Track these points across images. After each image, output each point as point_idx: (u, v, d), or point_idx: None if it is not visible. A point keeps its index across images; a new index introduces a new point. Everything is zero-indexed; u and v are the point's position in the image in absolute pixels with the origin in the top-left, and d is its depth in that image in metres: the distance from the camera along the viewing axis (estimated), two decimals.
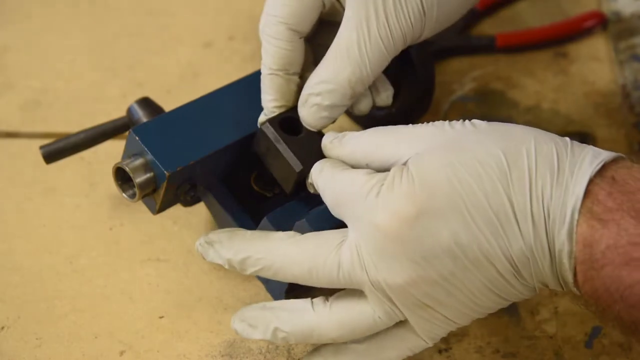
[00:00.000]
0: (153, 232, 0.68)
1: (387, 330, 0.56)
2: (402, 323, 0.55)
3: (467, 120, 0.54)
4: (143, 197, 0.60)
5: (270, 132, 0.59)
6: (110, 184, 0.63)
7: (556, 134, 0.74)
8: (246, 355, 0.61)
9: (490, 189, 0.51)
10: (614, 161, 0.51)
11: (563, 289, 0.52)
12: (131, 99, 0.78)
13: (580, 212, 0.49)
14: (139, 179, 0.59)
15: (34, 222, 0.69)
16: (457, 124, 0.54)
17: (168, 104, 0.77)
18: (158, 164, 0.58)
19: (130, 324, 0.63)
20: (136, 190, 0.59)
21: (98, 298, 0.65)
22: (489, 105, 0.77)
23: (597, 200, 0.49)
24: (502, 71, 0.79)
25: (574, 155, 0.51)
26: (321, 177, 0.57)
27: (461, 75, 0.79)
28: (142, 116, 0.63)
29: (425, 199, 0.51)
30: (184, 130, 0.60)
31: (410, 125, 0.56)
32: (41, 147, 0.66)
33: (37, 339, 0.63)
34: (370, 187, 0.53)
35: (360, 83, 0.59)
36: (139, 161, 0.59)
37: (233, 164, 0.62)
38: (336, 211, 0.56)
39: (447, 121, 0.55)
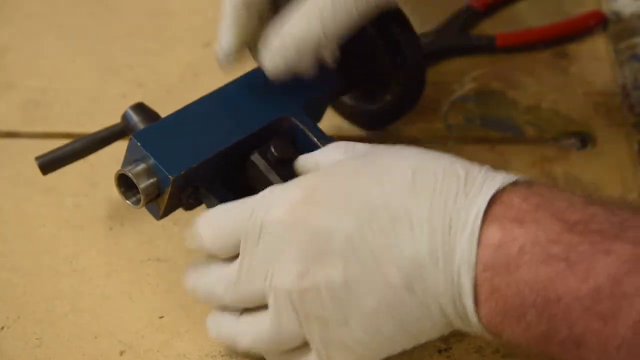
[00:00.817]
0: (153, 232, 0.68)
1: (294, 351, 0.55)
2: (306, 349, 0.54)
3: (389, 145, 0.55)
4: (147, 203, 0.60)
5: (261, 163, 0.60)
6: (110, 184, 0.63)
7: (556, 134, 0.75)
8: (246, 355, 0.61)
9: (390, 195, 0.50)
10: (528, 181, 0.50)
11: (462, 321, 0.50)
12: (131, 99, 0.78)
13: (490, 216, 0.48)
14: (143, 184, 0.59)
15: (33, 222, 0.69)
16: (377, 145, 0.55)
17: (168, 104, 0.77)
18: (162, 168, 0.58)
19: (130, 324, 0.63)
20: (140, 196, 0.59)
21: (98, 298, 0.65)
22: (489, 105, 0.77)
23: (511, 205, 0.48)
24: (502, 71, 0.79)
25: (487, 174, 0.50)
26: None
27: (461, 75, 0.79)
28: (138, 122, 0.63)
29: (320, 188, 0.52)
30: (184, 134, 0.60)
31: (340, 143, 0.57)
32: (37, 158, 0.65)
33: (37, 339, 0.63)
34: (259, 197, 0.54)
35: (329, 44, 0.60)
36: (141, 167, 0.59)
37: (234, 164, 0.62)
38: (223, 240, 0.56)
39: (367, 145, 0.56)
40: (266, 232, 0.53)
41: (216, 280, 0.56)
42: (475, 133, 0.75)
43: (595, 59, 0.80)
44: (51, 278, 0.66)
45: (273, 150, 0.61)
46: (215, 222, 0.56)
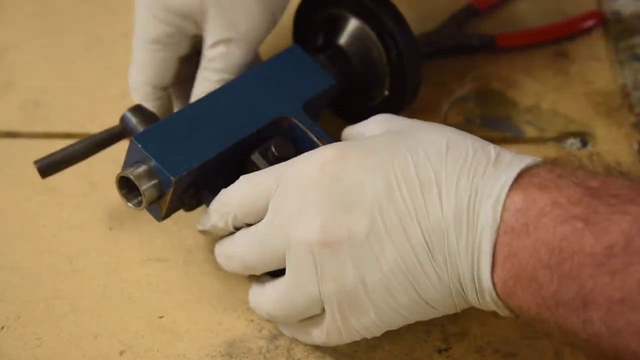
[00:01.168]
0: (153, 232, 0.68)
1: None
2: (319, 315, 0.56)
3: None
4: (149, 204, 0.60)
5: (262, 163, 0.61)
6: (110, 184, 0.63)
7: (556, 134, 0.75)
8: (246, 355, 0.61)
9: (422, 162, 0.52)
10: (554, 162, 0.52)
11: (477, 294, 0.51)
12: (131, 99, 0.78)
13: (517, 186, 0.50)
14: (145, 186, 0.59)
15: (34, 222, 0.69)
16: (414, 122, 0.58)
17: None
18: (163, 170, 0.58)
19: (130, 324, 0.63)
20: (142, 198, 0.59)
21: (98, 298, 0.65)
22: (489, 105, 0.77)
23: (537, 174, 0.50)
24: (502, 71, 0.79)
25: (517, 155, 0.53)
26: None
27: (461, 75, 0.79)
28: (136, 124, 0.63)
29: (355, 149, 0.54)
30: (185, 135, 0.60)
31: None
32: (35, 162, 0.65)
33: (37, 339, 0.63)
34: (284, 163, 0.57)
35: None
36: (142, 168, 0.59)
37: (235, 164, 0.62)
38: (247, 208, 0.58)
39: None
40: (294, 187, 0.54)
41: (243, 242, 0.58)
42: (475, 133, 0.75)
43: (595, 59, 0.80)
44: (51, 278, 0.66)
45: (274, 149, 0.61)
46: (243, 187, 0.58)
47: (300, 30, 0.72)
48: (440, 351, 0.61)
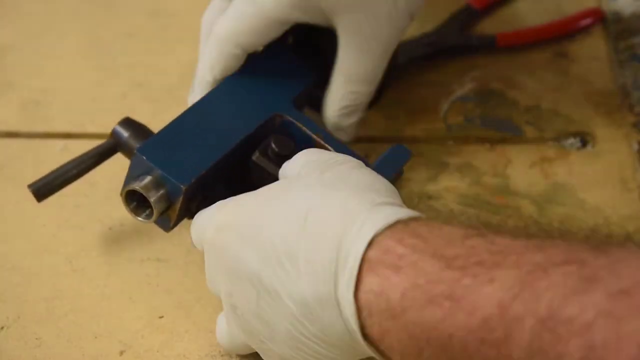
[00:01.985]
0: (153, 232, 0.68)
1: None
2: None
3: (331, 163, 0.56)
4: (159, 215, 0.59)
5: (263, 162, 0.61)
6: (110, 183, 0.63)
7: (556, 134, 0.75)
8: (246, 355, 0.61)
9: (287, 232, 0.51)
10: (412, 218, 0.50)
11: (367, 349, 0.50)
12: (131, 99, 0.78)
13: (367, 263, 0.48)
14: (154, 197, 0.58)
15: (34, 222, 0.69)
16: (313, 172, 0.56)
17: (168, 104, 0.77)
18: (172, 179, 0.58)
19: (130, 324, 0.63)
20: (153, 209, 0.59)
21: (98, 298, 0.65)
22: (489, 105, 0.77)
23: (387, 250, 0.48)
24: (502, 71, 0.79)
25: (371, 212, 0.50)
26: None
27: (461, 75, 0.79)
28: (129, 137, 0.63)
29: (239, 216, 0.54)
30: (186, 142, 0.60)
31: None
32: (29, 186, 0.63)
33: (36, 339, 0.62)
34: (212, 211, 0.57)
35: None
36: (148, 180, 0.58)
37: (236, 167, 0.62)
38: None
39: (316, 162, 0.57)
40: (206, 247, 0.56)
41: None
42: (475, 133, 0.75)
43: (595, 59, 0.80)
44: (51, 278, 0.66)
45: (274, 146, 0.61)
46: (196, 219, 0.59)
47: None
48: None
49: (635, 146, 0.73)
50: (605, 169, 0.72)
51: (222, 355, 0.61)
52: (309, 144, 0.62)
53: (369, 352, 0.49)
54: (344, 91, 0.67)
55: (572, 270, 0.42)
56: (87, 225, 0.69)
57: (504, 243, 0.45)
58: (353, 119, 0.68)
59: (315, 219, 0.50)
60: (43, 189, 0.63)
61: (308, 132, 0.62)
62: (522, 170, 0.72)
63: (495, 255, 0.45)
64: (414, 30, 0.68)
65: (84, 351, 0.62)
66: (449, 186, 0.71)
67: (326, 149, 0.62)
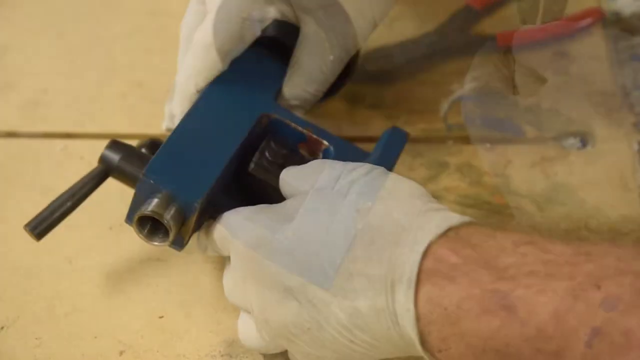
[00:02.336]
0: None
1: None
2: None
3: (356, 171, 0.55)
4: (176, 234, 0.58)
5: (260, 173, 0.61)
6: (110, 183, 0.63)
7: (556, 134, 0.75)
8: (246, 355, 0.61)
9: (333, 247, 0.51)
10: (463, 224, 0.50)
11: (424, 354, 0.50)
12: (131, 99, 0.78)
13: (423, 273, 0.48)
14: (167, 218, 0.57)
15: None
16: (343, 178, 0.55)
17: None
18: (184, 197, 0.57)
19: (130, 324, 0.63)
20: (169, 230, 0.57)
21: (98, 298, 0.65)
22: (489, 105, 0.77)
23: (441, 259, 0.48)
24: (502, 71, 0.79)
25: (422, 220, 0.50)
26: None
27: (461, 75, 0.79)
28: (119, 160, 0.62)
29: (273, 233, 0.53)
30: (187, 157, 0.59)
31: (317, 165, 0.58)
32: (26, 225, 0.62)
33: (36, 339, 0.62)
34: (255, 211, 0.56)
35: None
36: (156, 202, 0.57)
37: (234, 175, 0.62)
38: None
39: (340, 169, 0.56)
40: (236, 261, 0.56)
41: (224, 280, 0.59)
42: (475, 133, 0.75)
43: (595, 59, 0.80)
44: (51, 278, 0.66)
45: (267, 155, 0.61)
46: (224, 228, 0.58)
47: None
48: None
49: (635, 146, 0.73)
50: (605, 169, 0.72)
51: (222, 355, 0.61)
52: (301, 139, 0.62)
53: (423, 355, 0.50)
54: (295, 86, 0.66)
55: (626, 282, 0.43)
56: (87, 225, 0.69)
57: (556, 251, 0.46)
58: (298, 113, 0.67)
59: (364, 232, 0.51)
60: (40, 227, 0.61)
61: (298, 127, 0.63)
62: (522, 170, 0.72)
63: (548, 265, 0.46)
64: (414, 30, 0.68)
65: (84, 351, 0.62)
66: (449, 186, 0.70)
67: (319, 142, 0.62)
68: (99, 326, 0.63)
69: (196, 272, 0.66)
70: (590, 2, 0.84)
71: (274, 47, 0.69)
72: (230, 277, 0.57)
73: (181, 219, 0.58)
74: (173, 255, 0.67)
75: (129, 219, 0.59)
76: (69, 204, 0.62)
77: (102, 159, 0.62)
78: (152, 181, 0.57)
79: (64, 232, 0.66)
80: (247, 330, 0.58)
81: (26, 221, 0.61)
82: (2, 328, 0.63)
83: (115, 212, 0.69)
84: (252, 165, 0.61)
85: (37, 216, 0.61)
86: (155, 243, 0.58)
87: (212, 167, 0.59)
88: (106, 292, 0.65)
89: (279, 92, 0.66)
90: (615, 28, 0.82)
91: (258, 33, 0.65)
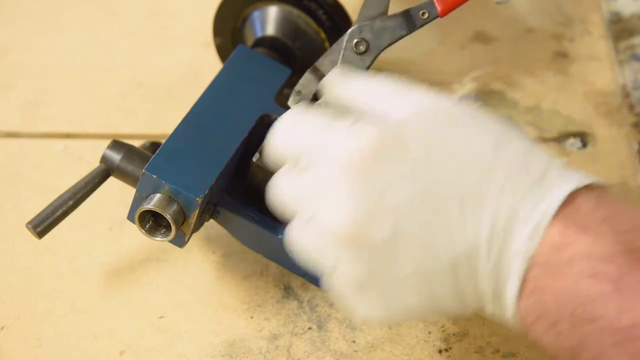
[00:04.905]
0: None
1: None
2: None
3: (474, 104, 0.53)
4: (177, 230, 0.58)
5: (264, 163, 0.60)
6: (110, 184, 0.63)
7: (556, 134, 0.75)
8: (246, 355, 0.61)
9: (461, 171, 0.47)
10: (602, 186, 0.48)
11: (496, 306, 0.48)
12: (131, 99, 0.78)
13: (558, 216, 0.46)
14: (169, 213, 0.58)
15: None
16: (462, 102, 0.51)
17: (168, 104, 0.77)
18: (186, 193, 0.58)
19: (130, 324, 0.63)
20: (171, 225, 0.58)
21: (98, 298, 0.65)
22: (489, 105, 0.77)
23: (580, 208, 0.46)
24: (502, 71, 0.79)
25: (564, 170, 0.48)
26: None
27: (461, 75, 0.79)
28: (121, 159, 0.62)
29: (392, 147, 0.48)
30: (189, 154, 0.60)
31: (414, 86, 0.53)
32: (28, 223, 0.61)
33: (37, 339, 0.63)
34: (333, 123, 0.51)
35: None
36: (158, 197, 0.58)
37: (234, 173, 0.62)
38: (287, 150, 0.53)
39: (446, 96, 0.52)
40: (326, 168, 0.50)
41: (285, 188, 0.53)
42: None
43: (595, 59, 0.80)
44: (51, 278, 0.66)
45: None
46: (292, 126, 0.53)
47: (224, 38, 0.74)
48: (440, 351, 0.61)
49: (635, 146, 0.73)
50: (605, 169, 0.72)
51: (222, 356, 0.61)
52: None
53: (501, 306, 0.48)
54: None
55: None
56: (87, 225, 0.69)
57: None
58: None
59: (501, 163, 0.47)
60: (42, 225, 0.61)
61: None
62: None
63: None
64: None
65: (84, 351, 0.62)
66: None
67: None
68: (99, 326, 0.63)
69: (196, 272, 0.66)
70: (590, 3, 0.84)
71: (274, 47, 0.70)
72: (296, 182, 0.51)
73: (183, 216, 0.58)
74: (173, 255, 0.67)
75: (131, 215, 0.60)
76: (70, 202, 0.62)
77: (104, 159, 0.63)
78: (154, 176, 0.58)
79: (64, 232, 0.66)
80: (299, 234, 0.52)
81: (26, 221, 0.61)
82: (2, 328, 0.63)
83: (115, 213, 0.69)
84: (257, 155, 0.61)
85: (39, 214, 0.62)
86: (157, 239, 0.59)
87: (214, 164, 0.60)
88: (106, 292, 0.65)
89: (279, 92, 0.66)
90: (615, 28, 0.82)
91: None
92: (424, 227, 0.48)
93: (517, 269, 0.46)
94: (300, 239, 0.51)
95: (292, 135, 0.53)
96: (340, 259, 0.49)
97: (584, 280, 0.44)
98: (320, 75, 0.62)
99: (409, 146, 0.48)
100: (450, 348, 0.61)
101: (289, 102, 0.63)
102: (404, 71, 0.79)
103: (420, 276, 0.48)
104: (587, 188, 0.47)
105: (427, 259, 0.48)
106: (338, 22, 0.69)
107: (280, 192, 0.52)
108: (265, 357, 0.61)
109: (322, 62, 0.62)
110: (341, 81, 0.55)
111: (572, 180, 0.47)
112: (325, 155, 0.50)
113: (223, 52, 0.74)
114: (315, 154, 0.51)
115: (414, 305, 0.49)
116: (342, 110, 0.53)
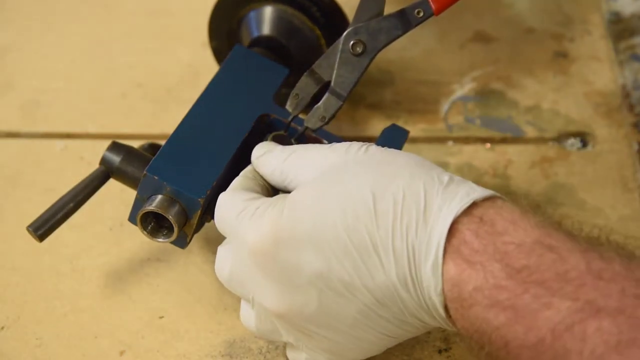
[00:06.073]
0: None
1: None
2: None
3: (364, 146, 0.55)
4: (180, 230, 0.59)
5: None
6: (110, 184, 0.63)
7: (556, 134, 0.75)
8: (246, 355, 0.61)
9: (352, 225, 0.51)
10: (486, 200, 0.50)
11: (447, 326, 0.52)
12: (131, 99, 0.78)
13: (446, 250, 0.49)
14: (171, 214, 0.58)
15: None
16: (353, 150, 0.55)
17: (168, 104, 0.77)
18: (188, 194, 0.58)
19: (130, 324, 0.63)
20: (173, 227, 0.58)
21: (98, 298, 0.65)
22: (489, 105, 0.77)
23: (464, 240, 0.49)
24: (502, 71, 0.79)
25: (445, 194, 0.50)
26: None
27: (461, 75, 0.79)
28: (120, 161, 0.62)
29: (286, 228, 0.52)
30: (189, 156, 0.60)
31: (317, 146, 0.57)
32: (29, 226, 0.61)
33: (37, 339, 0.62)
34: (244, 209, 0.55)
35: None
36: (160, 199, 0.58)
37: (233, 174, 0.62)
38: (220, 231, 0.57)
39: (348, 144, 0.55)
40: (242, 254, 0.55)
41: (218, 263, 0.57)
42: (475, 133, 0.75)
43: (595, 59, 0.80)
44: (51, 278, 0.66)
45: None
46: (219, 209, 0.57)
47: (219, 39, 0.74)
48: (440, 351, 0.61)
49: (635, 146, 0.73)
50: (605, 169, 0.72)
51: (222, 356, 0.61)
52: (301, 138, 0.63)
53: (447, 326, 0.51)
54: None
55: (622, 321, 0.44)
56: (87, 225, 0.69)
57: (571, 263, 0.47)
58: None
59: (385, 205, 0.51)
60: (43, 228, 0.61)
61: (298, 127, 0.63)
62: (522, 170, 0.72)
63: (559, 278, 0.47)
64: None
65: (84, 351, 0.62)
66: None
67: (319, 141, 0.63)
68: (99, 326, 0.63)
69: (196, 272, 0.66)
70: (590, 2, 0.84)
71: (270, 46, 0.70)
72: (239, 272, 0.56)
73: (185, 216, 0.59)
74: (173, 255, 0.67)
75: (132, 217, 0.59)
76: (71, 205, 0.62)
77: (103, 161, 0.63)
78: (156, 177, 0.58)
79: (65, 233, 0.66)
80: (249, 317, 0.57)
81: (26, 221, 0.61)
82: (2, 328, 0.63)
83: (115, 213, 0.69)
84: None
85: (39, 217, 0.61)
86: (159, 240, 0.59)
87: (215, 165, 0.60)
88: (106, 292, 0.65)
89: (277, 91, 0.66)
90: (615, 28, 0.82)
91: None
92: (340, 285, 0.51)
93: (437, 302, 0.50)
94: (250, 322, 0.57)
95: (220, 219, 0.57)
96: (291, 329, 0.54)
97: (488, 311, 0.48)
98: (317, 78, 0.63)
99: (302, 221, 0.52)
100: (450, 348, 0.61)
101: (287, 106, 0.63)
102: (404, 71, 0.79)
103: (363, 320, 0.52)
104: (470, 210, 0.50)
105: (358, 306, 0.52)
106: (332, 19, 0.69)
107: (219, 267, 0.57)
108: (265, 357, 0.61)
109: (319, 65, 0.63)
110: (258, 160, 0.59)
111: (452, 207, 0.50)
112: (237, 240, 0.55)
113: (220, 55, 0.74)
114: (233, 239, 0.56)
115: (372, 340, 0.54)
116: (262, 185, 0.58)
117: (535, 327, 0.46)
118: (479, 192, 0.50)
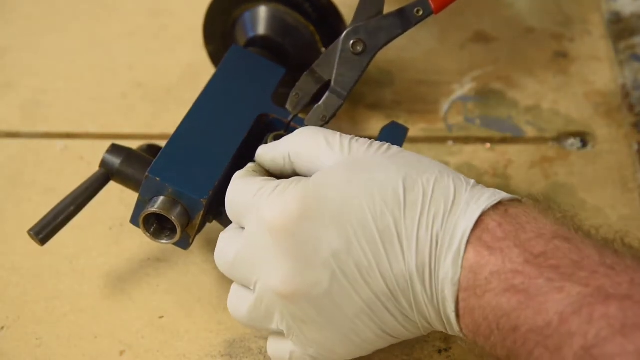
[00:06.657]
0: None
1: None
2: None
3: (385, 145, 0.55)
4: (182, 231, 0.59)
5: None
6: (110, 184, 0.63)
7: (556, 134, 0.75)
8: (246, 355, 0.61)
9: (379, 210, 0.52)
10: (511, 200, 0.52)
11: (446, 328, 0.52)
12: (131, 99, 0.78)
13: (469, 240, 0.50)
14: (174, 215, 0.58)
15: (34, 222, 0.69)
16: (374, 147, 0.55)
17: (168, 104, 0.77)
18: (190, 195, 0.58)
19: (130, 324, 0.63)
20: (176, 227, 0.58)
21: (98, 298, 0.65)
22: (489, 105, 0.77)
23: (487, 229, 0.50)
24: (502, 71, 0.79)
25: (473, 192, 0.52)
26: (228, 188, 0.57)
27: (461, 75, 0.79)
28: (120, 163, 0.62)
29: (313, 204, 0.52)
30: (190, 157, 0.60)
31: (336, 135, 0.56)
32: (30, 230, 0.61)
33: (37, 339, 0.63)
34: (262, 187, 0.55)
35: None
36: (162, 200, 0.58)
37: (239, 168, 0.62)
38: (231, 215, 0.57)
39: (370, 141, 0.56)
40: (258, 231, 0.54)
41: (221, 248, 0.57)
42: (475, 133, 0.75)
43: (595, 59, 0.80)
44: (51, 278, 0.66)
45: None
46: (233, 191, 0.57)
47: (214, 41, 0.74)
48: (440, 351, 0.61)
49: (635, 146, 0.73)
50: (605, 169, 0.72)
51: (222, 356, 0.61)
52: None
53: (445, 328, 0.52)
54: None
55: (628, 306, 0.45)
56: (87, 225, 0.69)
57: (585, 253, 0.48)
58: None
59: (415, 195, 0.52)
60: (44, 232, 0.61)
61: (297, 127, 0.63)
62: (522, 170, 0.72)
63: (572, 266, 0.48)
64: None
65: (84, 351, 0.62)
66: None
67: None
68: (99, 326, 0.63)
69: (196, 272, 0.66)
70: (590, 3, 0.84)
71: (265, 45, 0.70)
72: (237, 249, 0.55)
73: (187, 217, 0.59)
74: (173, 255, 0.67)
75: (134, 219, 0.60)
76: (71, 208, 0.62)
77: (103, 163, 0.63)
78: (158, 179, 0.58)
79: (65, 233, 0.66)
80: (241, 303, 0.56)
81: (26, 221, 0.61)
82: (2, 328, 0.63)
83: (115, 213, 0.69)
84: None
85: (40, 221, 0.61)
86: (162, 241, 0.60)
87: (216, 165, 0.60)
88: (106, 292, 0.65)
89: (276, 91, 0.66)
90: (615, 28, 0.82)
91: None
92: (355, 269, 0.52)
93: (449, 294, 0.50)
94: (242, 307, 0.56)
95: (232, 200, 0.56)
96: (287, 315, 0.54)
97: (501, 296, 0.49)
98: (317, 78, 0.63)
99: (328, 200, 0.52)
100: (450, 348, 0.61)
101: (287, 105, 0.63)
102: (404, 71, 0.79)
103: (368, 311, 0.53)
104: (496, 206, 0.51)
105: (368, 295, 0.52)
106: (325, 14, 0.69)
107: (223, 252, 0.56)
108: (265, 357, 0.61)
109: (319, 64, 0.63)
110: (268, 148, 0.58)
111: (480, 203, 0.51)
112: (252, 218, 0.54)
113: (216, 59, 0.75)
114: (247, 218, 0.55)
115: (369, 337, 0.54)
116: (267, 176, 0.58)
117: (544, 310, 0.47)
118: (504, 195, 0.52)
